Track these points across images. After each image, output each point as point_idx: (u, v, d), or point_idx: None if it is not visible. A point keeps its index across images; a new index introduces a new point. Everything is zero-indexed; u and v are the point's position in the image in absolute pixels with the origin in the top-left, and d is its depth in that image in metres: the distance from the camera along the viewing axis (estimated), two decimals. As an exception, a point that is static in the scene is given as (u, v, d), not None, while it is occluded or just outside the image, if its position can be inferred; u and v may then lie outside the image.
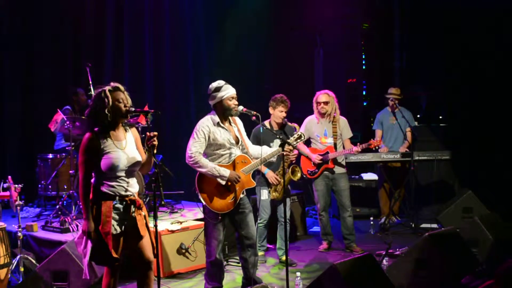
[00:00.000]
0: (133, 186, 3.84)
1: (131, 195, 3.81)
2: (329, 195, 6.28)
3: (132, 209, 3.79)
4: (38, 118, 7.39)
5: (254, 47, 9.14)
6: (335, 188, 6.21)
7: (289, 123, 5.68)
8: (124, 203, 3.76)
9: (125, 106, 3.77)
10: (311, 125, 6.22)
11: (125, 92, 3.82)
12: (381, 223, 7.28)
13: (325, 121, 6.19)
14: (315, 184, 6.20)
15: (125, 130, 3.88)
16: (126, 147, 3.80)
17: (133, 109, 3.86)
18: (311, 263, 5.84)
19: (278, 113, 5.67)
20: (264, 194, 5.72)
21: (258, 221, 5.69)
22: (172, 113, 8.56)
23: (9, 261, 4.73)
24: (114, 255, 3.69)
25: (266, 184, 5.71)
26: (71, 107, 7.01)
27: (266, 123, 5.69)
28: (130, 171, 3.82)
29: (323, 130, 6.19)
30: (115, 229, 3.70)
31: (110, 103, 3.72)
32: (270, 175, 5.64)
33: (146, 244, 3.86)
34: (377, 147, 6.15)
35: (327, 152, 6.12)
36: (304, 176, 6.20)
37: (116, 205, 3.73)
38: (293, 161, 5.37)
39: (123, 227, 3.76)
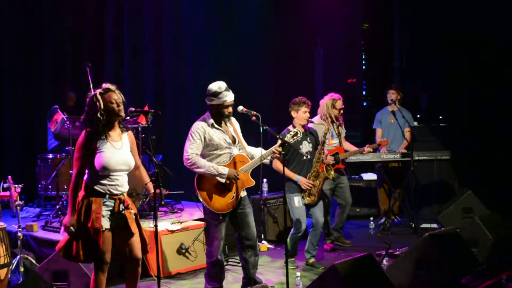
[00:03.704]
0: (123, 186, 3.93)
1: (120, 194, 3.91)
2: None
3: (121, 207, 3.88)
4: (38, 118, 7.39)
5: (254, 47, 9.13)
6: (340, 185, 6.28)
7: (315, 122, 5.64)
8: (114, 201, 3.85)
9: (118, 106, 3.85)
10: (319, 128, 6.14)
11: (117, 91, 3.90)
12: (381, 223, 7.28)
13: (330, 123, 6.23)
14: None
15: (122, 131, 3.98)
16: (121, 148, 3.90)
17: (133, 109, 3.97)
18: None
19: (302, 114, 5.57)
20: (296, 201, 5.51)
21: (294, 232, 5.54)
22: (172, 113, 8.55)
23: (9, 261, 4.72)
24: (103, 250, 3.77)
25: (297, 190, 5.53)
26: (58, 107, 6.98)
27: (290, 128, 5.58)
28: (123, 172, 3.92)
29: (330, 132, 6.24)
30: (104, 225, 3.77)
31: (102, 106, 3.81)
32: (302, 181, 5.48)
33: (136, 241, 3.95)
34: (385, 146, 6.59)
35: (337, 153, 6.18)
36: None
37: (106, 203, 3.82)
38: (324, 160, 5.53)
39: (112, 223, 3.84)
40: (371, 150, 6.43)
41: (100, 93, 3.84)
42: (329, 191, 6.23)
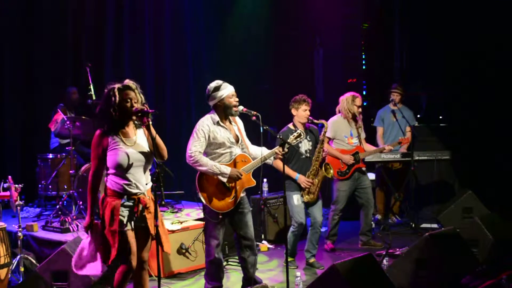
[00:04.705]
0: (141, 184, 3.80)
1: (140, 193, 3.79)
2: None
3: (140, 207, 3.78)
4: (38, 118, 7.39)
5: (254, 47, 9.14)
6: (361, 186, 6.25)
7: (315, 120, 5.64)
8: (133, 201, 3.76)
9: (131, 106, 3.73)
10: (339, 126, 6.17)
11: (136, 90, 3.78)
12: (377, 220, 7.31)
13: (350, 122, 6.23)
14: (340, 184, 6.19)
15: (136, 127, 3.86)
16: (135, 143, 3.79)
17: (145, 108, 3.80)
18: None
19: (302, 112, 5.56)
20: (296, 199, 5.51)
21: (292, 230, 5.56)
22: (173, 113, 8.56)
23: (9, 261, 4.73)
24: (114, 252, 3.66)
25: (296, 189, 5.54)
26: (64, 105, 7.01)
27: (290, 125, 5.63)
28: (140, 168, 3.80)
29: (349, 131, 6.23)
30: (123, 225, 3.70)
31: (117, 101, 3.69)
32: (302, 179, 5.48)
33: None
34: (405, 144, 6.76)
35: (357, 152, 6.17)
36: (333, 176, 6.10)
37: (125, 203, 3.74)
38: (324, 158, 5.49)
39: (132, 223, 3.75)
40: (392, 149, 6.51)
41: (118, 89, 3.73)
42: (348, 191, 6.20)
